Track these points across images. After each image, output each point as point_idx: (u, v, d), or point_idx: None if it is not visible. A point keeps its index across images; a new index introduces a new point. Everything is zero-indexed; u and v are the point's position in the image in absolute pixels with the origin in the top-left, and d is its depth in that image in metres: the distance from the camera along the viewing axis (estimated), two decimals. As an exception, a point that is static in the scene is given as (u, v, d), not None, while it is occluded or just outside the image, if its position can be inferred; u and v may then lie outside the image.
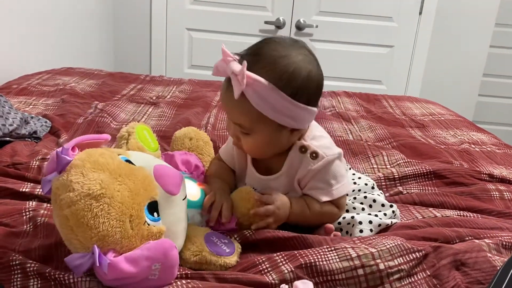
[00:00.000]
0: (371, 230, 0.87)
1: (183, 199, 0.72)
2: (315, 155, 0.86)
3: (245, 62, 0.75)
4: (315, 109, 0.84)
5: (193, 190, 0.83)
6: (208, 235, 0.77)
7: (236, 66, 0.76)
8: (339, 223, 0.90)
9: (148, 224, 0.64)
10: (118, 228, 0.60)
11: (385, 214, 0.91)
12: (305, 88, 0.80)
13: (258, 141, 0.84)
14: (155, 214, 0.65)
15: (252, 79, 0.76)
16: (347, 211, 0.93)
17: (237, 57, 0.80)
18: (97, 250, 0.59)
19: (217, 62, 0.80)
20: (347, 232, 0.89)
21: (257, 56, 0.79)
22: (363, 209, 0.93)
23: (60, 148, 0.63)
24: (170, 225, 0.68)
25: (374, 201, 0.94)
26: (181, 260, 0.71)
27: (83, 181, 0.60)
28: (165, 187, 0.67)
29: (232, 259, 0.74)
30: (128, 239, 0.61)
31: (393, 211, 0.93)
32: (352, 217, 0.88)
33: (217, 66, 0.80)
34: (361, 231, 0.87)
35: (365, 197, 0.95)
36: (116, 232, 0.60)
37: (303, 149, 0.87)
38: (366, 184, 1.00)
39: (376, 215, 0.90)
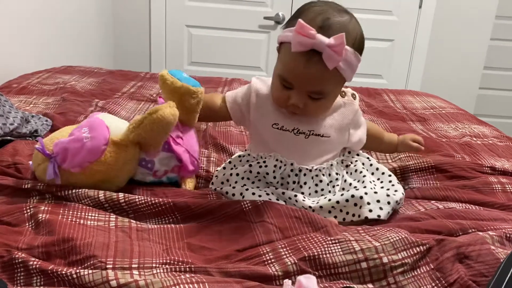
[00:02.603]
0: (380, 209, 0.89)
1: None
2: (354, 96, 1.00)
3: (343, 34, 0.80)
4: None
5: None
6: None
7: (326, 39, 0.81)
8: (347, 200, 0.90)
9: None
10: (48, 138, 0.91)
11: (386, 188, 0.96)
12: (363, 43, 0.89)
13: (330, 101, 0.92)
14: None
15: (344, 48, 0.82)
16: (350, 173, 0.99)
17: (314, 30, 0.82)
18: (37, 147, 0.87)
19: (297, 38, 0.81)
20: (353, 215, 0.90)
21: (326, 26, 0.83)
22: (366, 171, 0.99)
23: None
24: None
25: (377, 169, 1.01)
26: (125, 134, 0.91)
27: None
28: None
29: (161, 106, 0.88)
30: (58, 133, 0.93)
31: (392, 184, 0.98)
32: (361, 197, 0.89)
33: (300, 42, 0.81)
34: (370, 210, 0.88)
35: (371, 164, 1.03)
36: (50, 139, 0.90)
37: (343, 93, 0.98)
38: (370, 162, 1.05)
39: (382, 187, 0.95)
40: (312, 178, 0.95)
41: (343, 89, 0.97)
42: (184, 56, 2.81)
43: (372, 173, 1.00)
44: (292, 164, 0.95)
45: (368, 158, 1.05)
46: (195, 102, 0.97)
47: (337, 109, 0.97)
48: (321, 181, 0.95)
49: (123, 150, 0.90)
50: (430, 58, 2.75)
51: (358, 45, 0.87)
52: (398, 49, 2.75)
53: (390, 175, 1.00)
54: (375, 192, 0.91)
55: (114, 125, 0.93)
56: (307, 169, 0.95)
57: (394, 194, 0.93)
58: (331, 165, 0.97)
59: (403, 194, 0.96)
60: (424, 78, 2.78)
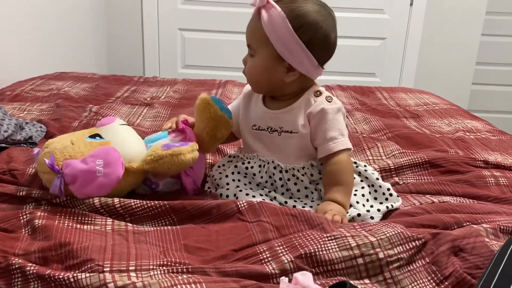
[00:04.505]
0: (371, 218, 0.91)
1: (122, 124, 0.96)
2: (330, 99, 0.96)
3: None
4: (314, 59, 0.91)
5: (159, 134, 1.03)
6: (166, 144, 0.91)
7: None
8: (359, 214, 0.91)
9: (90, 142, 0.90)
10: (61, 148, 0.87)
11: (386, 199, 0.95)
12: (310, 29, 0.89)
13: (257, 63, 0.93)
14: (97, 138, 0.92)
15: (271, 4, 0.89)
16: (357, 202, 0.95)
17: None
18: (47, 161, 0.84)
19: None
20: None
21: None
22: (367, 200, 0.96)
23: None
24: (115, 139, 0.91)
25: (376, 191, 0.97)
26: (143, 161, 0.90)
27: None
28: (100, 124, 0.96)
29: (183, 148, 0.86)
30: (72, 149, 0.87)
31: (390, 194, 0.96)
32: (368, 210, 0.92)
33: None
34: (371, 217, 0.90)
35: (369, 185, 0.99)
36: (62, 150, 0.87)
37: (318, 92, 0.96)
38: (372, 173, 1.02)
39: (381, 203, 0.95)
40: (294, 175, 0.96)
41: (320, 89, 0.96)
42: (177, 59, 2.82)
43: (369, 185, 0.99)
44: (273, 161, 0.97)
45: (365, 166, 1.02)
46: (226, 133, 0.98)
47: (302, 105, 0.95)
48: (302, 180, 0.96)
49: (132, 176, 0.90)
50: (422, 55, 2.77)
51: (294, 20, 0.88)
52: (390, 47, 2.76)
53: (388, 189, 0.97)
54: (371, 217, 0.91)
55: (128, 144, 0.91)
56: (287, 166, 0.96)
57: (387, 206, 0.93)
58: (312, 165, 0.97)
59: (398, 205, 0.95)
60: (417, 75, 2.80)
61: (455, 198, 0.97)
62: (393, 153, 1.21)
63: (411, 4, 2.69)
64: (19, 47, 1.86)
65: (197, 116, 0.98)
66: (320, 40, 0.90)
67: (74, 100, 1.61)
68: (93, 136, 0.92)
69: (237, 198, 0.94)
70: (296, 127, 0.95)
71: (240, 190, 0.95)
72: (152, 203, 0.85)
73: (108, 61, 2.81)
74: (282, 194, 0.97)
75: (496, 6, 2.80)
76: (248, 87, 1.03)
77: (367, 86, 2.06)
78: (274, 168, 0.97)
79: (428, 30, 2.72)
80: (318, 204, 0.91)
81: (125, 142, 0.92)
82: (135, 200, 0.86)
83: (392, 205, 0.94)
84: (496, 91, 3.02)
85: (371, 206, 0.93)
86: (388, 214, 0.93)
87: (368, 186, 0.98)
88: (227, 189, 0.96)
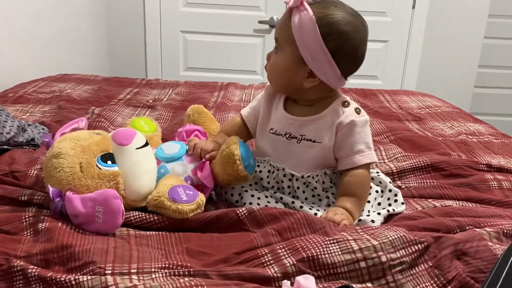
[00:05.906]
0: (372, 221, 0.90)
1: (138, 148, 0.89)
2: (359, 110, 0.93)
3: None
4: (338, 70, 0.88)
5: (172, 146, 0.98)
6: (176, 185, 0.86)
7: None
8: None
9: (100, 168, 0.84)
10: (69, 173, 0.82)
11: (389, 205, 0.94)
12: (338, 38, 0.87)
13: (279, 61, 0.92)
14: (109, 162, 0.85)
15: (304, 7, 0.86)
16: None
17: None
18: (50, 189, 0.81)
19: None
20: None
21: None
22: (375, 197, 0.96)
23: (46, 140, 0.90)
24: (126, 168, 0.86)
25: (381, 196, 0.97)
26: (146, 203, 0.87)
27: (51, 148, 0.86)
28: (115, 140, 0.88)
29: (187, 207, 0.82)
30: (78, 180, 0.82)
31: (395, 200, 0.95)
32: (368, 215, 0.91)
33: None
34: (372, 221, 0.89)
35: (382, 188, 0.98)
36: (68, 175, 0.82)
37: (347, 103, 0.94)
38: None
39: (383, 208, 0.94)
40: (305, 184, 0.95)
41: (348, 100, 0.95)
42: (179, 61, 2.82)
43: (376, 191, 0.97)
44: (283, 169, 0.95)
45: (377, 173, 1.02)
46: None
47: (330, 114, 0.93)
48: (315, 188, 0.95)
49: (133, 207, 0.88)
50: (424, 58, 2.77)
51: (324, 27, 0.85)
52: (392, 50, 2.76)
53: (396, 195, 0.96)
54: (372, 221, 0.90)
55: (139, 177, 0.87)
56: (299, 175, 0.94)
57: (389, 210, 0.92)
58: (325, 173, 0.95)
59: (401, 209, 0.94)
60: (419, 78, 2.79)
61: (457, 202, 0.97)
62: (396, 156, 1.20)
63: (413, 7, 2.69)
64: (22, 49, 1.86)
65: (219, 160, 0.92)
66: (347, 52, 0.88)
67: (76, 102, 1.61)
68: (105, 158, 0.85)
69: (242, 198, 0.94)
70: (320, 137, 0.92)
71: (246, 191, 0.94)
72: (152, 218, 0.84)
73: (110, 63, 2.81)
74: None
75: (498, 8, 2.80)
76: (270, 88, 1.00)
77: (369, 88, 2.05)
78: (284, 176, 0.95)
79: (430, 32, 2.72)
80: (325, 210, 0.91)
81: (136, 174, 0.86)
82: (134, 213, 0.85)
83: (393, 209, 0.93)
84: (499, 94, 3.02)
85: (373, 211, 0.93)
86: (390, 218, 0.93)
87: (376, 192, 0.97)
88: (232, 188, 0.96)
